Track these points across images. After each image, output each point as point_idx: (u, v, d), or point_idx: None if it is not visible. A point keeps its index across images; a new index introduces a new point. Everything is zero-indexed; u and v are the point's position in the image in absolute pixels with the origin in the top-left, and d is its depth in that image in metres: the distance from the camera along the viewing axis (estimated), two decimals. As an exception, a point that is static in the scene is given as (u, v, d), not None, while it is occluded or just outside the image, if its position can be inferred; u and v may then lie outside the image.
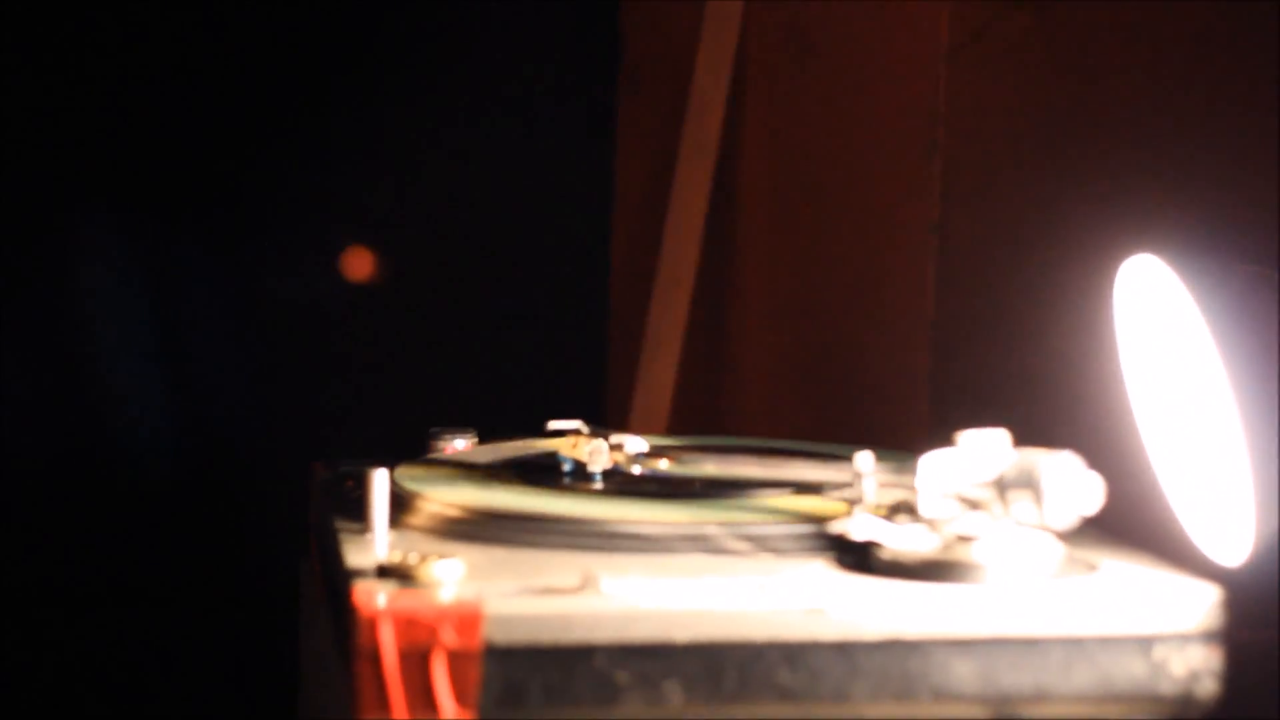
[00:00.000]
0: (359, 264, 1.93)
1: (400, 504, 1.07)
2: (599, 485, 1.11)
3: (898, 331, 1.58)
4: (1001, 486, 0.95)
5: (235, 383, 1.91)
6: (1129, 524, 1.00)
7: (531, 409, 1.91)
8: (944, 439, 1.35)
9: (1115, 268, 1.03)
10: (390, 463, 1.16)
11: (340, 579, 0.96)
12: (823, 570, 0.96)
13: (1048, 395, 1.35)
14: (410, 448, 1.25)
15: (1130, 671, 0.92)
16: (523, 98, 1.97)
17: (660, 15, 1.95)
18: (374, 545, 0.99)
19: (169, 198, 1.89)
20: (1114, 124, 1.45)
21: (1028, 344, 1.40)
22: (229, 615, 1.86)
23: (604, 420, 1.85)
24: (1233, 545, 0.98)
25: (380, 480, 1.02)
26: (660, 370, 1.82)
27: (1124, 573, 0.96)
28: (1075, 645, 0.91)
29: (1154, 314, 1.03)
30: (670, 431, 1.82)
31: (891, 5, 1.60)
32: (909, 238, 1.56)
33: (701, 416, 1.86)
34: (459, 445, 1.24)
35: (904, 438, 1.52)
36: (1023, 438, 0.98)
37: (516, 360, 1.97)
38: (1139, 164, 1.38)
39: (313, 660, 1.17)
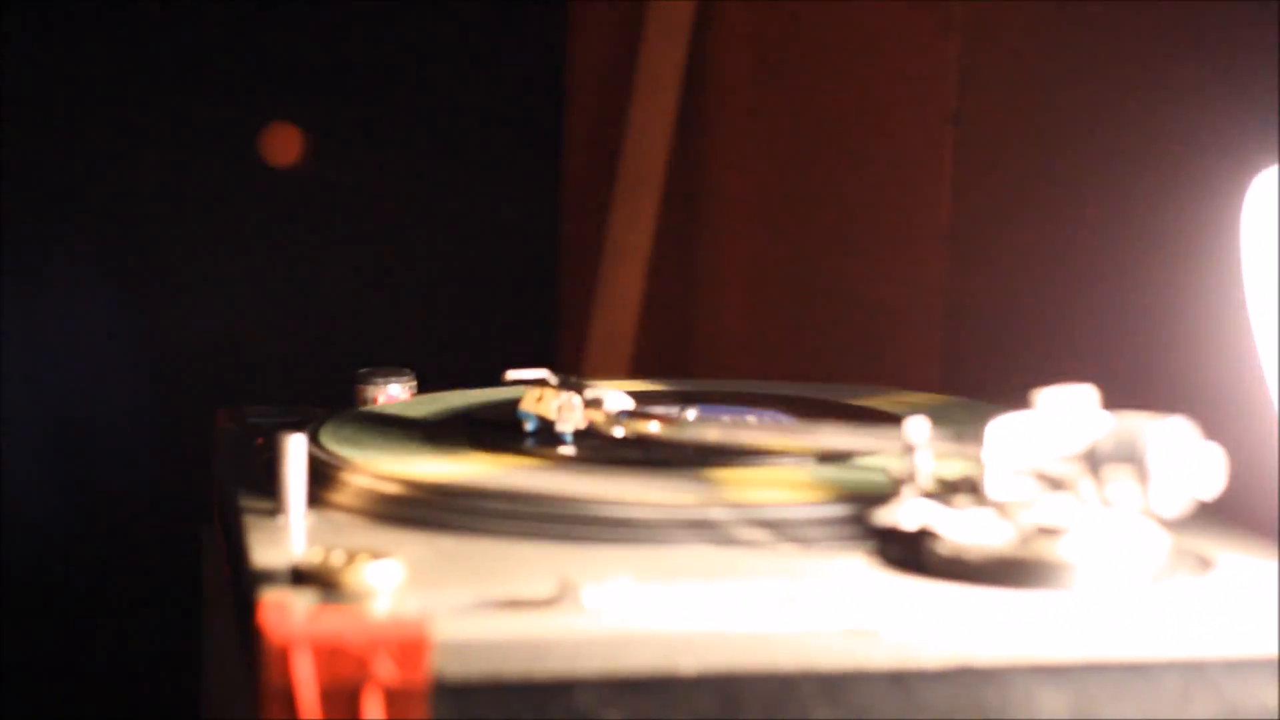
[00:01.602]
0: (280, 150, 1.72)
1: (321, 475, 0.87)
2: (571, 451, 0.91)
3: (906, 243, 1.39)
4: (1094, 461, 0.76)
5: (121, 311, 1.70)
6: (1250, 508, 0.81)
7: (471, 346, 1.72)
8: (961, 375, 1.16)
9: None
10: (311, 415, 1.01)
11: (245, 581, 0.77)
12: (862, 568, 0.77)
13: (1109, 332, 1.15)
14: (333, 394, 1.08)
15: (1265, 702, 0.73)
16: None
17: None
18: (287, 537, 0.81)
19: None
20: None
21: (1084, 264, 1.20)
22: (120, 595, 1.65)
23: (556, 356, 1.66)
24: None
25: (296, 450, 0.83)
26: (623, 289, 1.64)
27: (1247, 570, 0.78)
28: (1194, 670, 0.73)
29: None
30: (635, 366, 1.63)
31: None
32: (920, 130, 1.37)
33: (673, 347, 1.67)
34: (394, 392, 1.05)
35: (913, 372, 1.34)
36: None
37: (450, 288, 1.77)
38: (1198, 38, 1.17)
39: (218, 658, 0.98)
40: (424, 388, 1.09)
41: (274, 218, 1.74)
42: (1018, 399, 0.80)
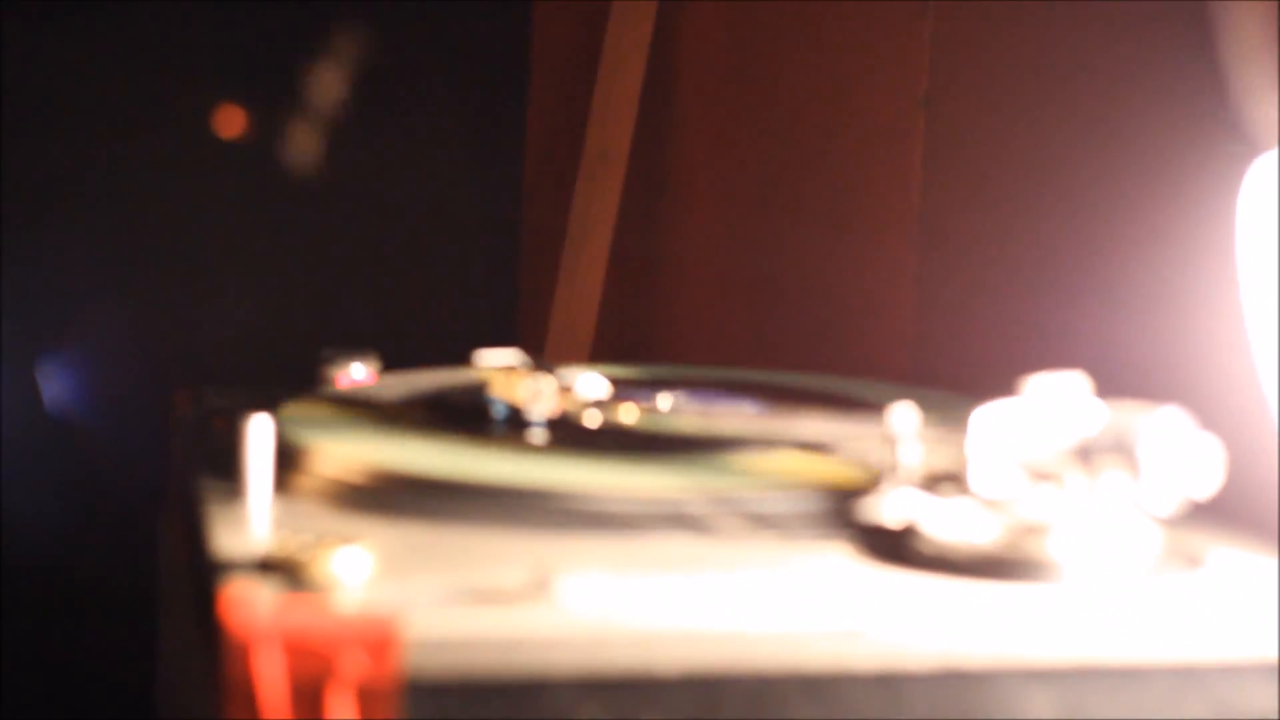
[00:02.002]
0: (239, 131, 1.69)
1: (284, 459, 0.84)
2: (542, 438, 0.89)
3: (876, 227, 1.36)
4: (1084, 453, 0.73)
5: (86, 286, 1.66)
6: (1242, 503, 0.79)
7: (432, 329, 1.69)
8: (932, 363, 1.15)
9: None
10: (271, 395, 0.98)
11: (205, 571, 0.74)
12: (844, 562, 0.75)
13: (1092, 319, 1.13)
14: (294, 375, 1.06)
15: (1261, 705, 0.71)
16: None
17: None
18: (249, 524, 0.78)
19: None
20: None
21: (1060, 243, 1.18)
22: (76, 586, 1.62)
23: (517, 340, 1.64)
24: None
25: (260, 433, 0.80)
26: (585, 274, 1.60)
27: (1242, 567, 0.76)
28: (1187, 671, 0.71)
29: None
30: (596, 351, 1.60)
31: None
32: (891, 112, 1.34)
33: (635, 329, 1.64)
34: (357, 375, 1.03)
35: (883, 359, 1.32)
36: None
37: (413, 271, 1.74)
38: (1179, 15, 1.15)
39: (176, 655, 0.95)
40: (393, 368, 1.07)
41: (236, 201, 1.71)
42: (986, 387, 0.78)
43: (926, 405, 0.95)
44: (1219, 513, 0.81)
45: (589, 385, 0.90)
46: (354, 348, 1.07)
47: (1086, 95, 1.17)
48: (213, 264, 1.69)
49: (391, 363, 1.08)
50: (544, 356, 1.52)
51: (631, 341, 1.66)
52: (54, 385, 1.61)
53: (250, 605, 0.67)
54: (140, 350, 1.65)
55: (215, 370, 1.51)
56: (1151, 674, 0.70)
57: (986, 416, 0.76)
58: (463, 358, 0.99)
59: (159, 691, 1.07)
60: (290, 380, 1.05)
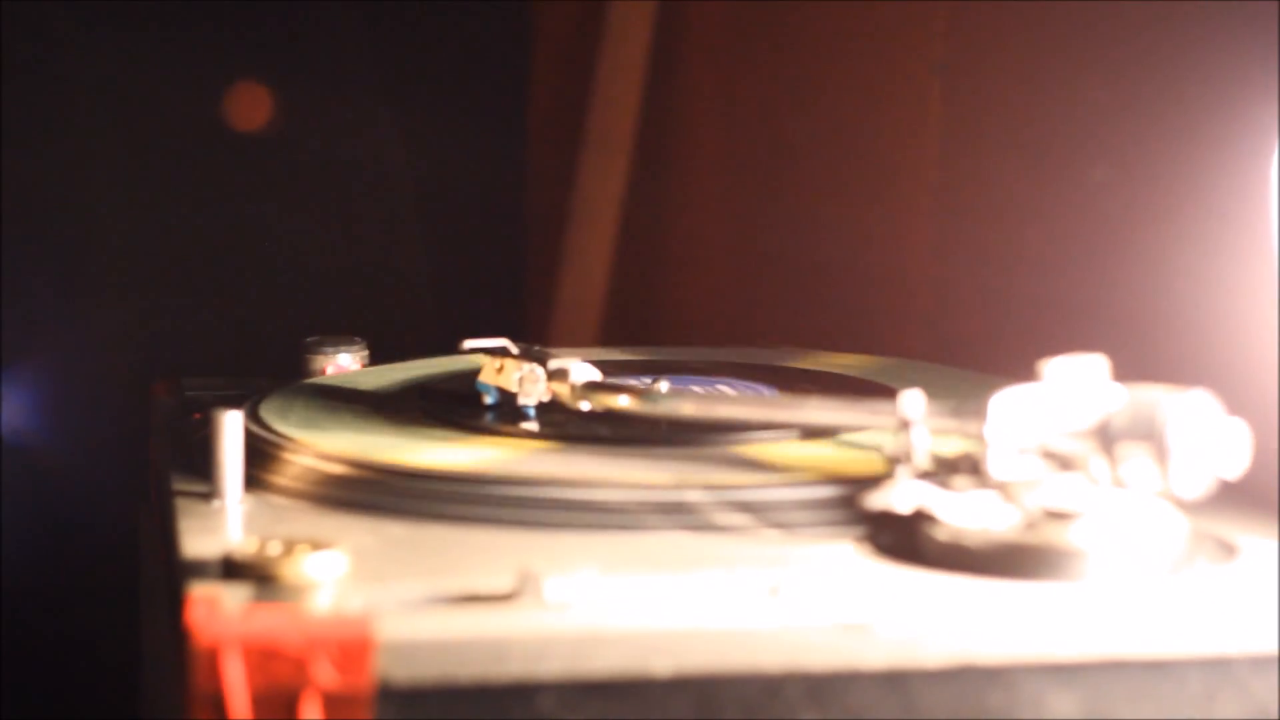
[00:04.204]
0: (240, 111, 1.67)
1: (262, 454, 0.82)
2: (533, 427, 0.86)
3: (891, 200, 1.34)
4: (1107, 438, 0.71)
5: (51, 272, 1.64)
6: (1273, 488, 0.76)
7: (433, 314, 1.67)
8: (952, 340, 1.12)
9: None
10: (255, 387, 0.97)
11: (175, 573, 0.72)
12: (853, 557, 0.72)
13: (1117, 296, 1.10)
14: (280, 364, 1.03)
15: (1298, 703, 0.68)
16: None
17: None
18: (222, 524, 0.76)
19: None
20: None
21: (1085, 216, 1.15)
22: (55, 581, 1.59)
23: (523, 327, 1.61)
24: None
25: (231, 428, 0.78)
26: (591, 254, 1.58)
27: (1275, 557, 0.73)
28: (1218, 667, 0.68)
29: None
30: (604, 333, 1.58)
31: None
32: (906, 79, 1.31)
33: (644, 310, 1.62)
34: (344, 362, 1.00)
35: (900, 337, 1.29)
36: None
37: (412, 253, 1.71)
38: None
39: (154, 655, 0.93)
40: (383, 358, 1.05)
41: (226, 179, 1.68)
42: (1007, 365, 0.75)
43: (944, 386, 0.93)
44: (1249, 499, 0.79)
45: (581, 370, 0.87)
46: (341, 335, 1.04)
47: (1112, 59, 1.14)
48: (201, 250, 1.67)
49: (391, 351, 1.06)
50: (551, 341, 1.50)
51: (641, 323, 1.63)
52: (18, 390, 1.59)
53: (215, 610, 0.65)
54: (124, 340, 1.62)
55: (204, 359, 1.48)
56: (1180, 670, 0.68)
57: (1006, 401, 0.73)
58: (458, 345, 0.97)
59: (142, 692, 1.05)
60: (279, 370, 1.03)
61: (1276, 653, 0.68)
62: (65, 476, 1.58)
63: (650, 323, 1.64)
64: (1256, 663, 0.68)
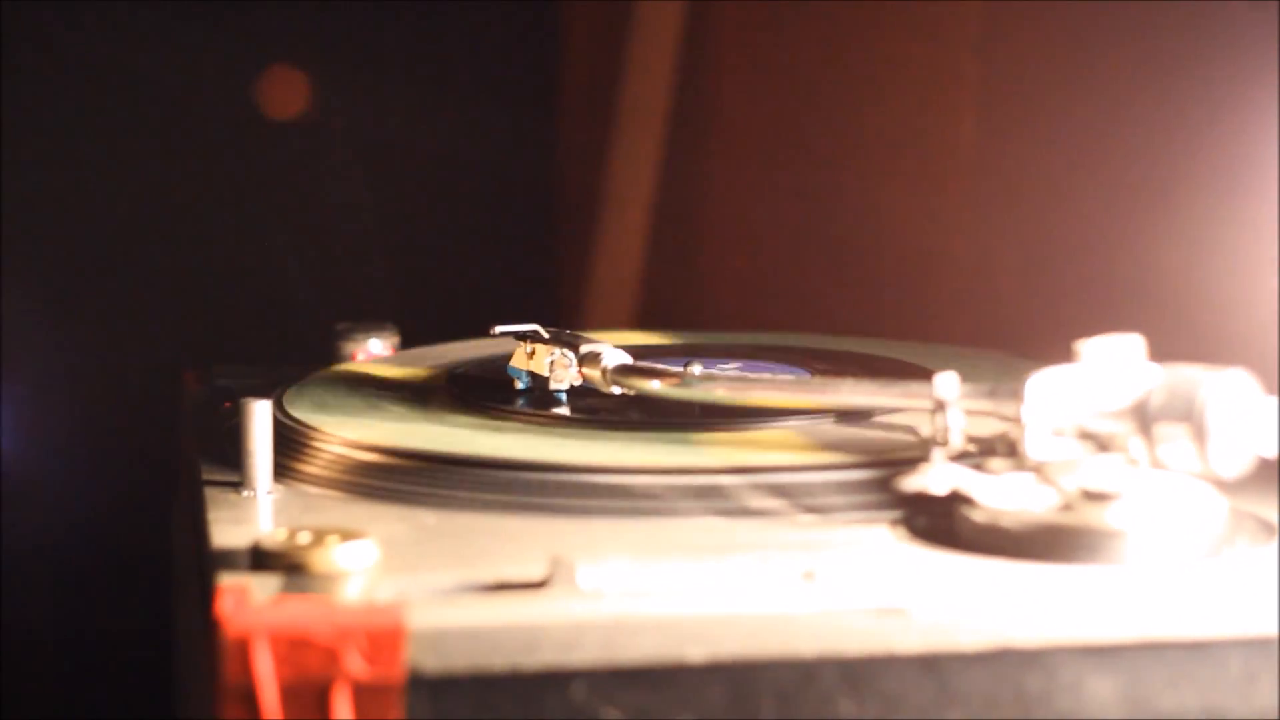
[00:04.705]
0: (275, 96, 1.66)
1: (292, 443, 0.82)
2: (565, 411, 0.86)
3: (928, 180, 1.33)
4: (1145, 418, 0.70)
5: (95, 265, 1.64)
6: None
7: (465, 299, 1.66)
8: (993, 323, 1.12)
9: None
10: (285, 375, 0.96)
11: (205, 564, 0.72)
12: (888, 541, 0.72)
13: (1156, 274, 1.09)
14: (313, 351, 1.04)
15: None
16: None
17: None
18: (252, 514, 0.76)
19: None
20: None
21: (1123, 197, 1.14)
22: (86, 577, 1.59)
23: (556, 307, 1.61)
24: None
25: (261, 417, 0.78)
26: (625, 236, 1.58)
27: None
28: (1259, 649, 0.67)
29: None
30: (640, 317, 1.57)
31: None
32: (942, 58, 1.30)
33: (681, 290, 1.61)
34: (375, 348, 1.00)
35: (940, 320, 1.29)
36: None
37: (444, 236, 1.70)
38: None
39: (187, 648, 0.93)
40: (414, 343, 1.04)
41: (257, 166, 1.68)
42: (1047, 347, 0.75)
43: (982, 369, 0.92)
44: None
45: (613, 354, 0.87)
46: (371, 320, 1.04)
47: (1148, 36, 1.13)
48: (235, 232, 1.67)
49: (423, 336, 1.06)
50: (586, 325, 1.49)
51: (677, 303, 1.63)
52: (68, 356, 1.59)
53: (245, 600, 0.65)
54: (153, 327, 1.62)
55: (236, 347, 1.48)
56: (1221, 651, 0.67)
57: (1043, 382, 0.73)
58: (488, 330, 0.96)
59: (176, 687, 1.05)
60: (308, 357, 1.03)
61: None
62: (95, 472, 1.58)
63: (685, 305, 1.63)
64: (1299, 644, 0.68)
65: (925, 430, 0.75)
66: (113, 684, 1.56)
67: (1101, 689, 0.67)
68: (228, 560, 0.70)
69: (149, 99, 1.63)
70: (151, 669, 1.23)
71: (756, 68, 1.59)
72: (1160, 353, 0.73)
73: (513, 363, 0.90)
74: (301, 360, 1.02)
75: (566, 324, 0.93)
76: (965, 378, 0.76)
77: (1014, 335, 1.19)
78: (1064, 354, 0.73)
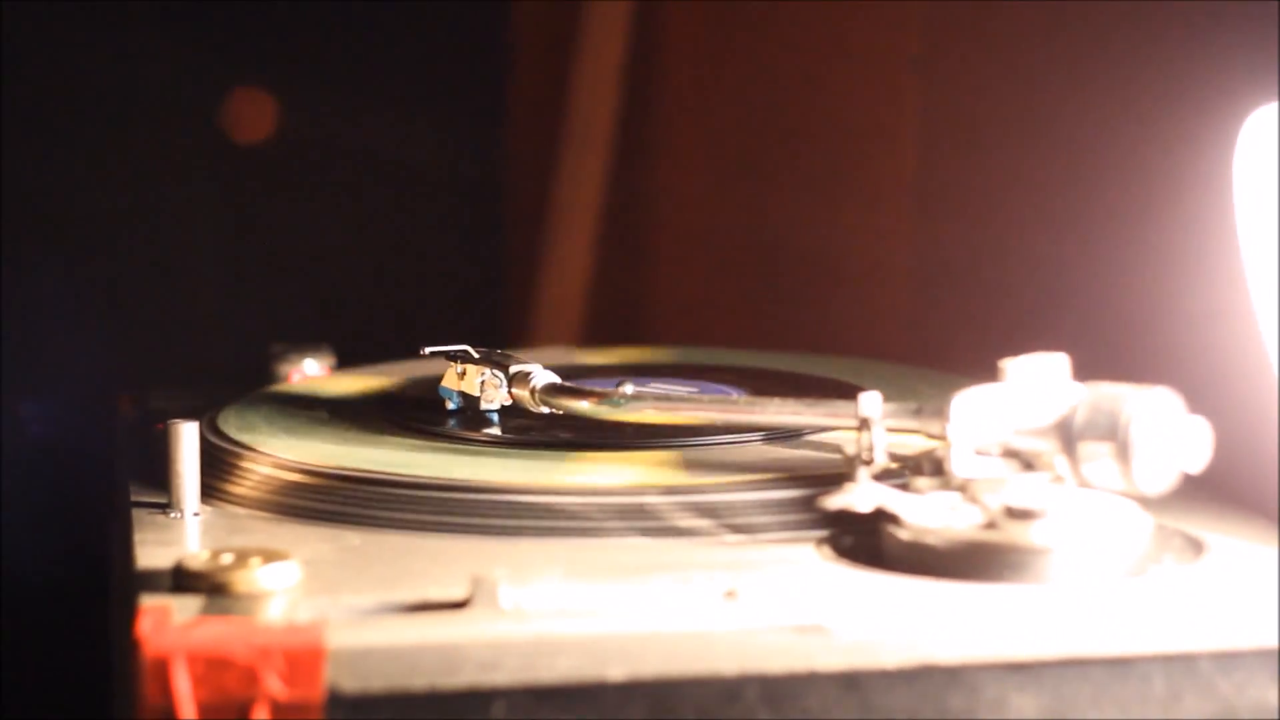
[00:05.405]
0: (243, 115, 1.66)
1: (220, 465, 0.82)
2: (495, 432, 0.86)
3: (869, 197, 1.33)
4: (1069, 436, 0.71)
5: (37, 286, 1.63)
6: (1243, 485, 0.76)
7: (410, 317, 1.66)
8: (931, 340, 1.12)
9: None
10: (220, 397, 0.96)
11: (129, 584, 0.72)
12: (813, 560, 0.72)
13: (1092, 292, 1.10)
14: (249, 374, 1.04)
15: (1262, 701, 0.68)
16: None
17: None
18: (178, 536, 0.77)
19: None
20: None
21: (1061, 214, 1.15)
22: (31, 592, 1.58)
23: (501, 331, 1.61)
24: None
25: (188, 438, 0.78)
26: (572, 252, 1.58)
27: (1242, 554, 0.73)
28: (1184, 665, 0.68)
29: None
30: (586, 332, 1.57)
31: None
32: (882, 73, 1.31)
33: (627, 307, 1.61)
34: (310, 369, 1.00)
35: (879, 336, 1.29)
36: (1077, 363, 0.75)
37: (387, 253, 1.70)
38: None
39: (120, 668, 0.93)
40: (352, 362, 1.05)
41: (195, 175, 1.67)
42: (985, 364, 0.75)
43: (914, 386, 0.93)
44: (1214, 497, 0.79)
45: (542, 376, 0.87)
46: (308, 341, 1.04)
47: (1088, 54, 1.14)
48: (168, 255, 1.66)
49: (365, 356, 1.06)
50: (533, 340, 1.50)
51: (624, 320, 1.63)
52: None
53: (164, 620, 0.65)
54: (97, 352, 1.61)
55: (178, 369, 1.47)
56: (1145, 669, 0.68)
57: (968, 400, 0.73)
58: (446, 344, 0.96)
59: (112, 701, 1.05)
60: (247, 379, 1.03)
61: (1242, 649, 0.68)
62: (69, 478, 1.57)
63: (631, 321, 1.63)
64: (1222, 660, 0.68)
65: (850, 448, 0.75)
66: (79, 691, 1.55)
67: (1025, 707, 0.67)
68: (150, 581, 0.70)
69: (87, 119, 1.62)
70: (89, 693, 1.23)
71: (701, 85, 1.59)
72: (1097, 368, 0.74)
73: (444, 383, 0.90)
74: (239, 383, 1.02)
75: (513, 339, 0.93)
76: (901, 396, 0.76)
77: (952, 352, 1.19)
78: (989, 372, 0.74)
